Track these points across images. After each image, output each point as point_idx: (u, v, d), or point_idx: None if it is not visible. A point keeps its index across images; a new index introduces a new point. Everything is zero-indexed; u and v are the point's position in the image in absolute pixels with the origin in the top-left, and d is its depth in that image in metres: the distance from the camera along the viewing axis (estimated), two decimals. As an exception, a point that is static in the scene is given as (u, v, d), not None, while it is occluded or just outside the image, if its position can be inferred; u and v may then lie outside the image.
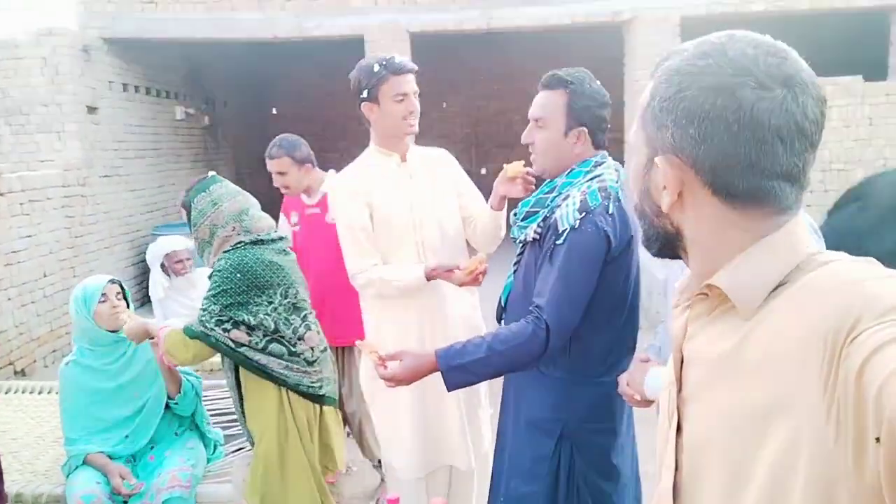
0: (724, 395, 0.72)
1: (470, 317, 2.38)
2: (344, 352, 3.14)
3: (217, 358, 2.37)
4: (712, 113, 0.70)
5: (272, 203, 3.07)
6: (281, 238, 2.37)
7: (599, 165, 1.82)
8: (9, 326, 5.16)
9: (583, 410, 1.85)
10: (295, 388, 2.28)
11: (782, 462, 0.64)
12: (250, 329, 2.21)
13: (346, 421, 3.12)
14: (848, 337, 0.60)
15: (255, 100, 11.00)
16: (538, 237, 1.81)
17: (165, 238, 4.01)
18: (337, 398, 2.47)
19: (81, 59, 6.47)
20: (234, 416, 2.81)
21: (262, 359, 2.23)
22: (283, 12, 6.92)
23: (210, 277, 2.26)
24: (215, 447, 2.69)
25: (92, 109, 6.60)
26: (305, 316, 2.35)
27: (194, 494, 2.40)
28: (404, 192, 2.29)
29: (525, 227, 1.85)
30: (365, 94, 2.23)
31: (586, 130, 1.81)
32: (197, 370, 2.75)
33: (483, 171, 9.25)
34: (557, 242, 1.72)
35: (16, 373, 5.18)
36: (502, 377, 1.97)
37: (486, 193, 2.39)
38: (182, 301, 3.80)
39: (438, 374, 1.74)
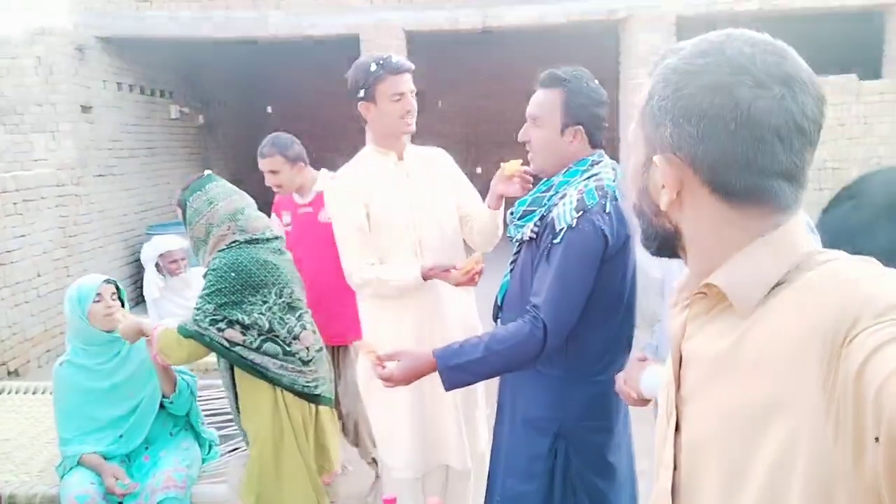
0: (722, 394, 0.72)
1: (467, 316, 2.38)
2: (338, 351, 3.13)
3: (212, 358, 2.36)
4: (710, 112, 0.70)
5: (268, 202, 3.06)
6: (276, 237, 2.36)
7: (596, 164, 1.82)
8: (2, 326, 5.14)
9: (579, 409, 1.84)
10: (290, 388, 2.28)
11: (781, 461, 0.64)
12: (245, 328, 2.20)
13: (340, 420, 3.11)
14: (847, 336, 0.59)
15: (251, 99, 10.98)
16: (535, 236, 1.80)
17: (160, 237, 4.00)
18: (333, 398, 2.46)
19: (76, 59, 6.44)
20: (230, 416, 2.80)
21: (257, 358, 2.23)
22: (278, 11, 6.91)
23: (205, 276, 2.25)
24: (210, 447, 2.68)
25: (86, 109, 6.57)
26: (301, 315, 2.34)
27: (189, 495, 2.39)
28: (401, 191, 2.29)
29: (522, 226, 1.85)
30: (362, 93, 2.22)
31: (582, 129, 1.81)
32: (192, 369, 2.74)
33: (479, 170, 9.25)
34: (554, 241, 1.71)
35: (9, 373, 5.16)
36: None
37: (483, 192, 2.39)
38: (177, 301, 3.79)
39: (436, 373, 1.74)
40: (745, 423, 0.68)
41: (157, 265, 3.87)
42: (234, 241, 2.24)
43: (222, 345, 2.19)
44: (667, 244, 0.82)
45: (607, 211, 1.72)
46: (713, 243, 0.75)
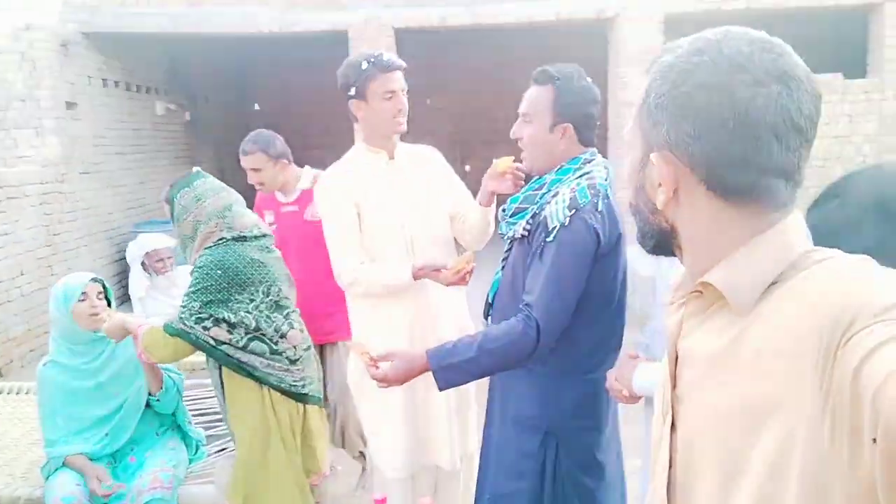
0: (718, 392, 0.72)
1: (458, 315, 2.38)
2: (324, 349, 3.11)
3: (199, 357, 2.34)
4: (707, 109, 0.70)
5: (253, 201, 3.03)
6: (265, 235, 2.35)
7: (589, 163, 1.82)
8: (-15, 326, 5.07)
9: (569, 407, 1.85)
10: (277, 387, 2.26)
11: (777, 460, 0.64)
12: (231, 327, 2.19)
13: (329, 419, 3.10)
14: (844, 336, 0.59)
15: (238, 95, 10.91)
16: (527, 234, 1.80)
17: (146, 236, 3.97)
18: (321, 397, 2.45)
19: (60, 54, 6.37)
20: (217, 416, 2.78)
21: (243, 357, 2.21)
22: (265, 7, 6.86)
23: (191, 274, 2.23)
24: (197, 447, 2.66)
25: (71, 105, 6.50)
26: (288, 314, 2.32)
27: (176, 496, 2.37)
28: (393, 190, 2.28)
29: (514, 224, 1.84)
30: (353, 91, 2.21)
31: (572, 127, 1.80)
32: (178, 368, 2.71)
33: (467, 167, 9.24)
34: (547, 240, 1.71)
35: (-8, 373, 5.10)
36: None
37: (472, 190, 2.38)
38: (163, 300, 3.76)
39: (429, 373, 1.74)
40: (742, 422, 0.68)
41: (143, 264, 3.84)
42: (221, 239, 2.22)
43: (208, 343, 2.18)
44: (663, 242, 0.82)
45: (599, 210, 1.72)
46: (709, 241, 0.75)
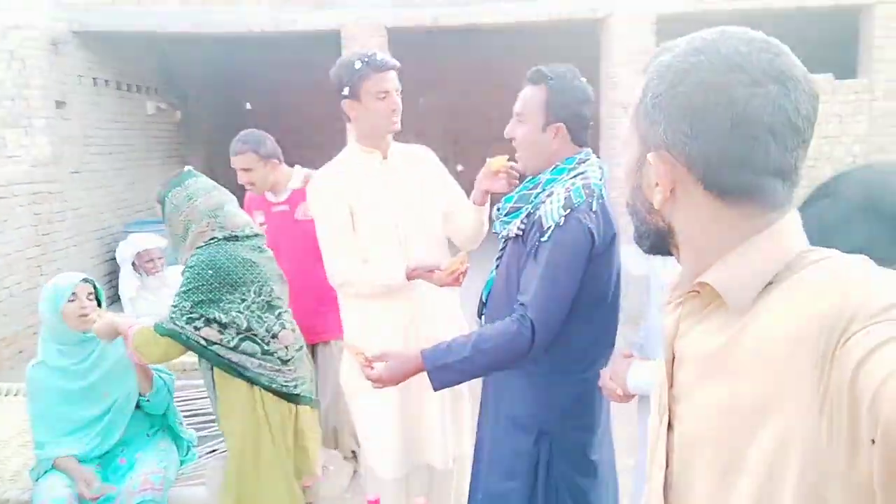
0: (715, 392, 0.72)
1: (452, 315, 2.37)
2: (316, 349, 3.10)
3: (191, 357, 2.32)
4: (705, 109, 0.70)
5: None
6: (256, 234, 2.33)
7: (583, 163, 1.82)
8: (-27, 326, 5.03)
9: (562, 407, 1.85)
10: (268, 388, 2.25)
11: (773, 459, 0.64)
12: (222, 327, 2.17)
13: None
14: (842, 337, 0.59)
15: (229, 95, 10.86)
16: (521, 233, 1.80)
17: (136, 236, 3.95)
18: (313, 398, 2.44)
19: (50, 53, 6.32)
20: (209, 417, 2.77)
21: (235, 357, 2.20)
22: (257, 6, 6.84)
23: (183, 273, 2.22)
24: (188, 449, 2.65)
25: (61, 104, 6.45)
26: (280, 314, 2.31)
27: (166, 498, 2.36)
28: (386, 190, 2.27)
29: (508, 223, 1.84)
30: (346, 91, 2.20)
31: (564, 127, 1.80)
32: (169, 368, 2.69)
33: (460, 167, 9.25)
34: (542, 239, 1.71)
35: (-19, 374, 5.05)
36: None
37: (465, 190, 2.38)
38: (154, 300, 3.74)
39: (424, 373, 1.74)
40: (738, 422, 0.68)
41: (133, 264, 3.82)
42: (212, 238, 2.21)
43: (199, 343, 2.16)
44: (660, 242, 0.82)
45: (594, 209, 1.72)
46: (706, 241, 0.75)
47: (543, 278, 1.70)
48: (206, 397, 2.38)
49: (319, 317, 2.91)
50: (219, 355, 2.19)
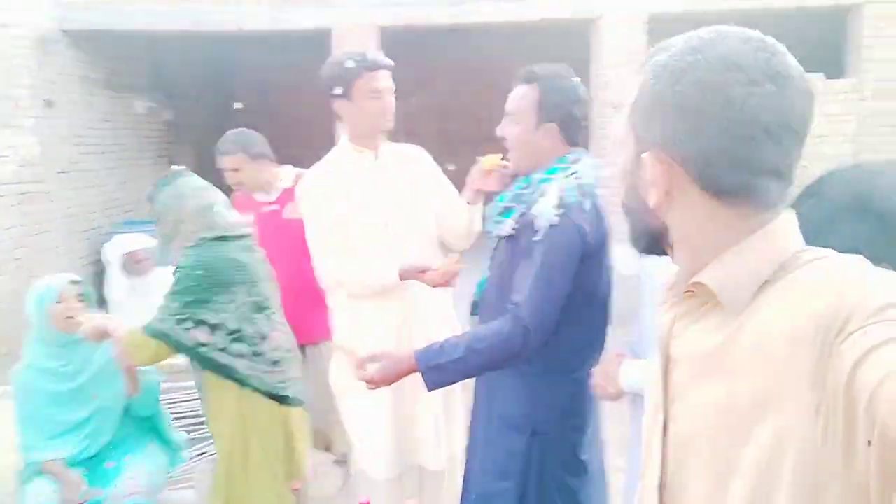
0: (710, 392, 0.72)
1: (445, 316, 2.36)
2: (305, 350, 3.08)
3: (180, 359, 2.31)
4: (702, 109, 0.70)
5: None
6: (247, 235, 2.32)
7: (576, 162, 1.82)
8: (-40, 328, 4.98)
9: (555, 406, 1.85)
10: (258, 389, 2.24)
11: (768, 459, 0.64)
12: (212, 328, 2.16)
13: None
14: (838, 337, 0.59)
15: (219, 94, 10.81)
16: (514, 232, 1.80)
17: (123, 237, 3.92)
18: (303, 400, 2.43)
19: (39, 52, 6.27)
20: (198, 420, 2.75)
21: (224, 358, 2.18)
22: (248, 5, 6.80)
23: (173, 274, 2.20)
24: (177, 451, 2.63)
25: (49, 103, 6.40)
26: (270, 315, 2.30)
27: (155, 501, 2.34)
28: (377, 189, 2.26)
29: (501, 222, 1.84)
30: (338, 90, 2.19)
31: (556, 127, 1.80)
32: (158, 370, 2.67)
33: (451, 166, 9.24)
34: (535, 239, 1.71)
35: (-32, 376, 5.00)
36: None
37: (456, 189, 2.37)
38: (142, 301, 3.71)
39: (416, 374, 1.73)
40: (734, 421, 0.68)
41: (122, 265, 3.79)
42: (202, 239, 2.19)
43: (189, 345, 2.15)
44: (655, 242, 0.82)
45: (587, 209, 1.72)
46: (702, 241, 0.75)
47: (537, 278, 1.69)
48: (194, 399, 2.37)
49: (310, 318, 2.89)
50: (208, 357, 2.17)
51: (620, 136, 0.82)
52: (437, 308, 2.32)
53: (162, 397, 2.64)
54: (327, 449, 3.17)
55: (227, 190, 2.94)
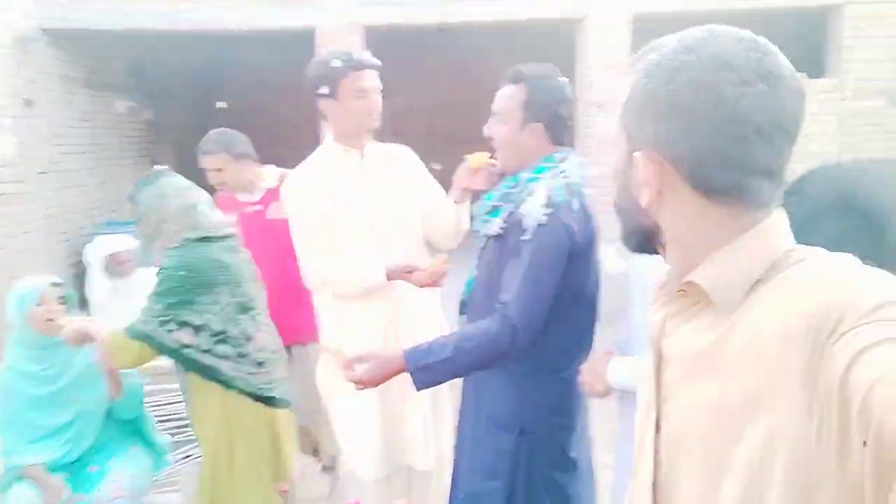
0: (703, 391, 0.72)
1: (432, 317, 2.35)
2: (291, 351, 3.05)
3: (163, 362, 2.28)
4: (694, 108, 0.70)
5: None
6: (231, 235, 2.30)
7: (564, 161, 1.82)
8: (-62, 331, 4.89)
9: (544, 405, 1.85)
10: (243, 391, 2.22)
11: (760, 458, 0.64)
12: (196, 329, 2.14)
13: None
14: (831, 336, 0.59)
15: (201, 93, 10.72)
16: (503, 232, 1.80)
17: (104, 238, 3.87)
18: (290, 401, 2.41)
19: (18, 51, 6.18)
20: (182, 422, 2.72)
21: (209, 360, 2.16)
22: (231, 3, 6.75)
23: (156, 275, 2.18)
24: (162, 455, 2.60)
25: (29, 102, 6.31)
26: (255, 316, 2.28)
27: (140, 505, 2.31)
28: (364, 188, 2.25)
29: (489, 222, 1.84)
30: (324, 89, 2.17)
31: (542, 126, 1.80)
32: (141, 372, 2.63)
33: (437, 166, 9.23)
34: (523, 238, 1.71)
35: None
36: None
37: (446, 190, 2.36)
38: (124, 303, 3.67)
39: (403, 373, 1.73)
40: (727, 420, 0.68)
41: (104, 266, 3.74)
42: (186, 239, 2.17)
43: (172, 346, 2.12)
44: (647, 241, 0.82)
45: (575, 208, 1.73)
46: (693, 240, 0.75)
47: (525, 277, 1.70)
48: (179, 402, 2.34)
49: (296, 319, 2.87)
50: (193, 359, 2.15)
51: (612, 136, 0.82)
52: (424, 308, 2.31)
53: (146, 400, 2.61)
54: (314, 454, 3.15)
55: (211, 190, 2.92)
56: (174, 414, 2.85)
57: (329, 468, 3.18)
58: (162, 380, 2.96)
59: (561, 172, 1.78)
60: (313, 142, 2.36)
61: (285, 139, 10.21)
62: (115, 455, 2.44)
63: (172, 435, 2.74)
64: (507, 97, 1.82)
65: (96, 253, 3.74)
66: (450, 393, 2.42)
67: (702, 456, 0.72)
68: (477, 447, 1.92)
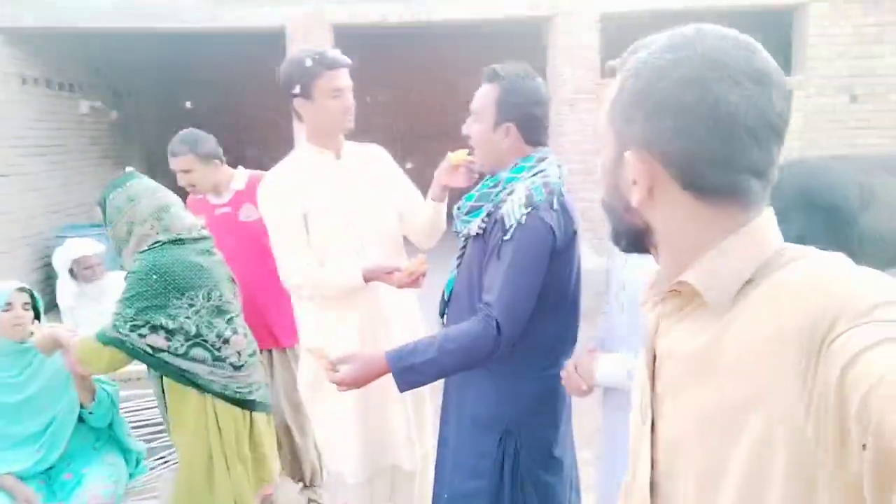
0: (699, 391, 0.72)
1: (410, 318, 2.34)
2: (271, 355, 3.01)
3: (137, 366, 2.23)
4: (683, 107, 0.69)
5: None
6: (204, 238, 2.25)
7: (542, 161, 1.82)
8: None
9: (527, 405, 1.85)
10: (221, 395, 2.18)
11: (758, 458, 0.64)
12: (169, 333, 2.09)
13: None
14: (826, 338, 0.59)
15: (168, 93, 10.54)
16: (482, 231, 1.80)
17: (73, 241, 3.76)
18: (269, 404, 2.37)
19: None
20: (158, 428, 2.67)
21: (184, 364, 2.12)
22: (199, 0, 6.63)
23: (125, 279, 2.12)
24: (138, 461, 2.54)
25: (-15, 103, 6.13)
26: (231, 319, 2.24)
27: (116, 513, 2.26)
28: (340, 189, 2.23)
29: (469, 222, 1.84)
30: (297, 89, 2.15)
31: (514, 126, 1.80)
32: (114, 378, 2.57)
33: (408, 164, 9.20)
34: (504, 238, 1.71)
35: None
36: None
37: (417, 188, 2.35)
38: (93, 308, 3.57)
39: (385, 375, 1.72)
40: (723, 422, 0.68)
41: (70, 271, 3.64)
42: (157, 242, 2.12)
43: (145, 351, 2.08)
44: (637, 241, 0.81)
45: (555, 207, 1.73)
46: (684, 240, 0.75)
47: (507, 277, 1.69)
48: (154, 407, 2.29)
49: (273, 322, 2.83)
50: (167, 363, 2.11)
51: (601, 135, 0.81)
52: (402, 309, 2.30)
53: (121, 405, 2.55)
54: (294, 458, 3.09)
55: (182, 193, 2.86)
56: (150, 419, 2.79)
57: (306, 488, 3.13)
58: (136, 385, 2.90)
59: (540, 172, 1.78)
60: (285, 141, 2.33)
61: (255, 139, 10.08)
62: (90, 462, 2.38)
63: (148, 441, 2.68)
64: (482, 96, 1.82)
65: (64, 256, 3.63)
66: (431, 392, 2.41)
67: (700, 457, 0.71)
68: (461, 447, 1.92)
